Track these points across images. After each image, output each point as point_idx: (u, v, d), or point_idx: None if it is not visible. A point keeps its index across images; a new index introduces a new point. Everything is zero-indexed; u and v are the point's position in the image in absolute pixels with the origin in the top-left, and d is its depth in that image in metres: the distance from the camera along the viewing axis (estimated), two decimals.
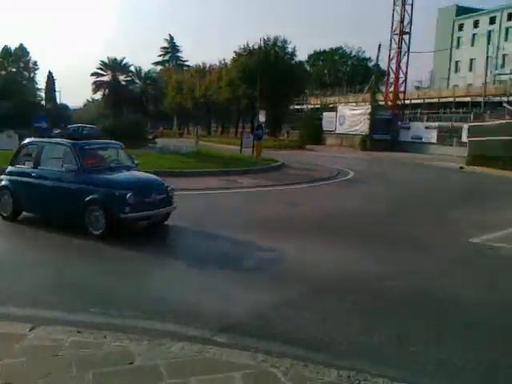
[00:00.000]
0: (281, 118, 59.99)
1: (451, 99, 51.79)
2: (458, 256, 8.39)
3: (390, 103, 48.32)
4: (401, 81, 48.79)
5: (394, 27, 48.11)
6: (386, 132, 43.93)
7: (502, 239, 9.55)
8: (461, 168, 26.16)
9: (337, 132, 49.51)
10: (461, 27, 75.52)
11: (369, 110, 44.39)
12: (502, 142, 25.49)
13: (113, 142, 10.42)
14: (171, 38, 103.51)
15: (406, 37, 47.78)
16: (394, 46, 48.14)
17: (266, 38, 57.73)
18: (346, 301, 5.91)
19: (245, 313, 5.40)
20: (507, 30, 68.31)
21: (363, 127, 44.86)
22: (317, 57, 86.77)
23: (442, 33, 76.60)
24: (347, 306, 5.76)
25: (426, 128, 41.77)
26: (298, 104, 65.89)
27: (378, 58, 49.45)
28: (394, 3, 47.57)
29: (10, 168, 9.79)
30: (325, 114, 52.26)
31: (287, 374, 3.87)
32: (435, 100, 53.65)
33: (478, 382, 4.19)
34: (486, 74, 42.11)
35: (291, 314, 5.43)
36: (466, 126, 34.54)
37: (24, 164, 9.55)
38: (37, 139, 10.25)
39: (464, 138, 33.88)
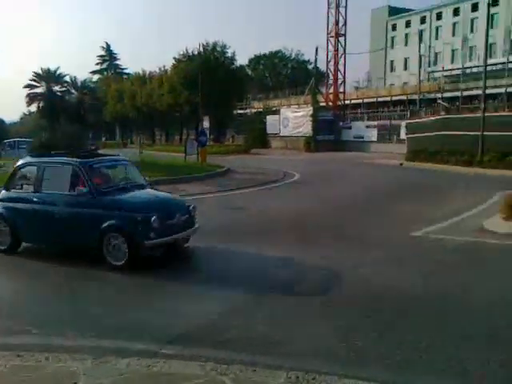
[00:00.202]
0: (225, 123, 60.07)
1: (388, 98, 53.50)
2: (399, 249, 8.66)
3: (330, 104, 49.38)
4: (340, 82, 50.06)
5: (329, 29, 49.28)
6: (328, 133, 44.83)
7: (442, 231, 9.93)
8: (401, 164, 27.03)
9: (281, 135, 50.05)
10: (394, 27, 78.37)
11: (311, 112, 45.16)
12: (438, 136, 26.57)
13: (121, 157, 9.44)
14: (108, 46, 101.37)
15: (342, 39, 49.04)
16: (331, 47, 49.35)
17: (205, 44, 57.86)
18: (290, 300, 5.98)
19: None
20: (437, 28, 71.49)
21: (306, 129, 45.55)
22: (257, 61, 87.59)
23: (376, 33, 79.16)
24: (293, 306, 5.83)
25: (367, 127, 42.92)
26: (241, 108, 66.14)
27: (316, 60, 50.41)
28: (329, 6, 48.75)
29: (3, 193, 8.59)
30: (268, 117, 52.74)
31: (236, 381, 3.86)
32: (373, 99, 55.26)
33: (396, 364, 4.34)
34: (419, 72, 43.74)
35: (239, 321, 5.43)
36: (403, 124, 35.77)
37: (21, 188, 8.45)
38: (35, 159, 8.82)
39: (403, 135, 35.00)
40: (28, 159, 8.92)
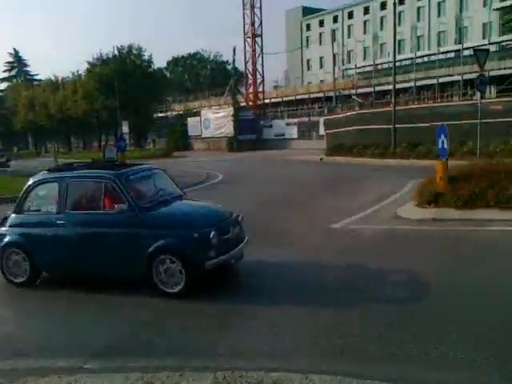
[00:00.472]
0: (145, 127, 58.83)
1: (307, 96, 54.71)
2: (319, 241, 8.74)
3: (251, 104, 49.72)
4: (259, 81, 50.48)
5: (246, 30, 49.59)
6: (250, 132, 45.16)
7: (360, 221, 10.17)
8: (321, 159, 27.63)
9: (203, 136, 49.73)
10: (308, 27, 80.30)
11: (231, 112, 45.25)
12: (354, 131, 27.48)
13: (154, 166, 8.14)
14: (16, 52, 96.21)
15: (258, 39, 49.46)
16: (249, 48, 49.67)
17: (119, 46, 56.36)
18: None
19: None
20: (349, 27, 74.10)
21: (228, 129, 45.57)
22: (175, 63, 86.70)
23: (291, 33, 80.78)
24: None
25: (287, 125, 43.65)
26: (161, 112, 65.08)
27: (234, 60, 50.69)
28: (244, 7, 49.01)
29: (14, 218, 7.14)
30: (189, 119, 52.25)
31: None
32: (292, 98, 56.31)
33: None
34: (334, 70, 45.10)
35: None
36: (322, 120, 36.71)
37: (39, 209, 7.09)
38: (54, 174, 7.30)
39: (322, 131, 35.90)
40: (44, 175, 7.33)
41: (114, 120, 49.59)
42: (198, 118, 50.82)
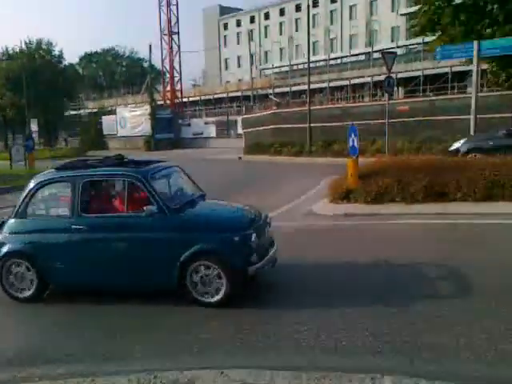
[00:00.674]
0: (56, 125, 56.17)
1: (225, 95, 54.86)
2: None
3: (168, 102, 49.00)
4: (176, 80, 49.85)
5: (162, 27, 48.80)
6: (168, 131, 44.53)
7: (276, 218, 10.26)
8: (239, 158, 27.78)
9: (119, 135, 48.32)
10: (226, 26, 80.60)
11: (148, 111, 44.39)
12: (271, 130, 27.91)
13: (171, 163, 7.12)
14: None
15: (175, 36, 48.84)
16: (166, 46, 48.93)
17: (28, 41, 53.37)
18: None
19: None
20: (266, 28, 75.24)
21: (145, 128, 44.65)
22: (89, 59, 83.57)
23: (209, 32, 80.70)
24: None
25: (206, 123, 43.52)
26: (74, 109, 62.43)
27: (150, 57, 49.70)
28: (160, 4, 48.18)
29: (15, 224, 6.11)
30: (104, 117, 50.58)
31: None
32: (211, 96, 56.22)
33: None
34: (251, 69, 45.54)
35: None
36: (239, 119, 36.93)
37: (47, 213, 6.07)
38: (65, 173, 6.18)
39: (240, 130, 36.11)
40: (52, 174, 6.29)
41: (23, 118, 46.90)
42: (114, 116, 49.31)
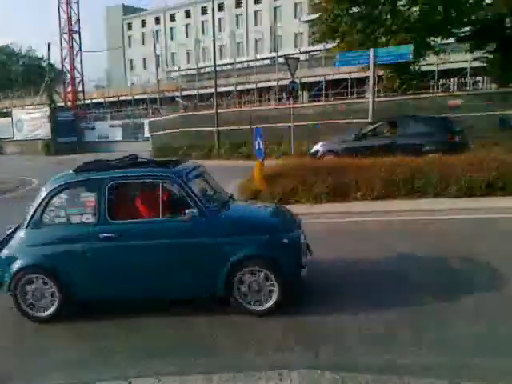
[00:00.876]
0: None
1: (130, 97, 53.54)
2: None
3: (70, 104, 46.94)
4: (78, 80, 47.88)
5: (62, 26, 46.68)
6: (71, 134, 42.65)
7: None
8: None
9: (16, 139, 45.56)
10: (130, 26, 78.72)
11: (48, 113, 42.23)
12: (179, 133, 27.75)
13: (196, 162, 6.38)
14: None
15: (76, 35, 46.96)
16: (66, 45, 46.84)
17: None
18: None
19: None
20: (172, 29, 74.46)
21: (45, 131, 42.50)
22: None
23: (113, 32, 78.36)
24: None
25: (111, 126, 42.29)
26: None
27: (49, 57, 47.26)
28: (59, 1, 46.04)
29: (27, 233, 5.34)
30: None
31: None
32: (116, 99, 54.60)
33: None
34: (157, 71, 44.87)
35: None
36: (146, 122, 36.30)
37: (68, 221, 5.30)
38: (87, 175, 5.45)
39: (147, 133, 35.50)
40: (70, 177, 5.52)
41: None
42: (9, 118, 46.34)
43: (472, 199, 9.78)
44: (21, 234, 5.39)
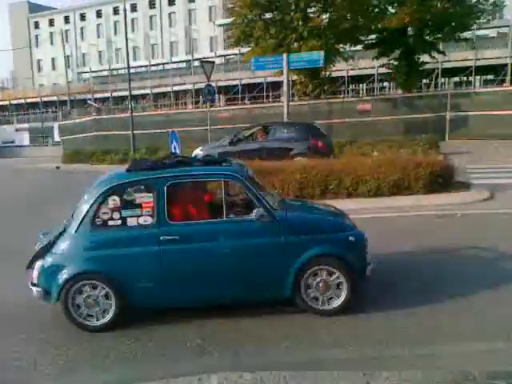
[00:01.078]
0: None
1: (38, 99, 51.06)
2: None
3: None
4: None
5: None
6: None
7: None
8: (57, 168, 26.04)
9: None
10: (37, 25, 74.95)
11: None
12: (93, 137, 26.81)
13: (240, 161, 5.91)
14: None
15: None
16: None
17: None
18: None
19: None
20: (82, 29, 71.78)
21: None
22: None
23: (17, 30, 74.20)
24: None
25: (17, 130, 40.08)
26: None
27: None
28: None
29: (76, 237, 4.81)
30: None
31: None
32: (22, 101, 51.81)
33: None
34: (66, 72, 43.08)
35: None
36: (56, 125, 34.75)
37: (124, 223, 4.79)
38: (143, 175, 4.90)
39: (57, 138, 34.00)
40: (124, 176, 4.99)
41: None
42: None
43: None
44: (69, 238, 4.93)
